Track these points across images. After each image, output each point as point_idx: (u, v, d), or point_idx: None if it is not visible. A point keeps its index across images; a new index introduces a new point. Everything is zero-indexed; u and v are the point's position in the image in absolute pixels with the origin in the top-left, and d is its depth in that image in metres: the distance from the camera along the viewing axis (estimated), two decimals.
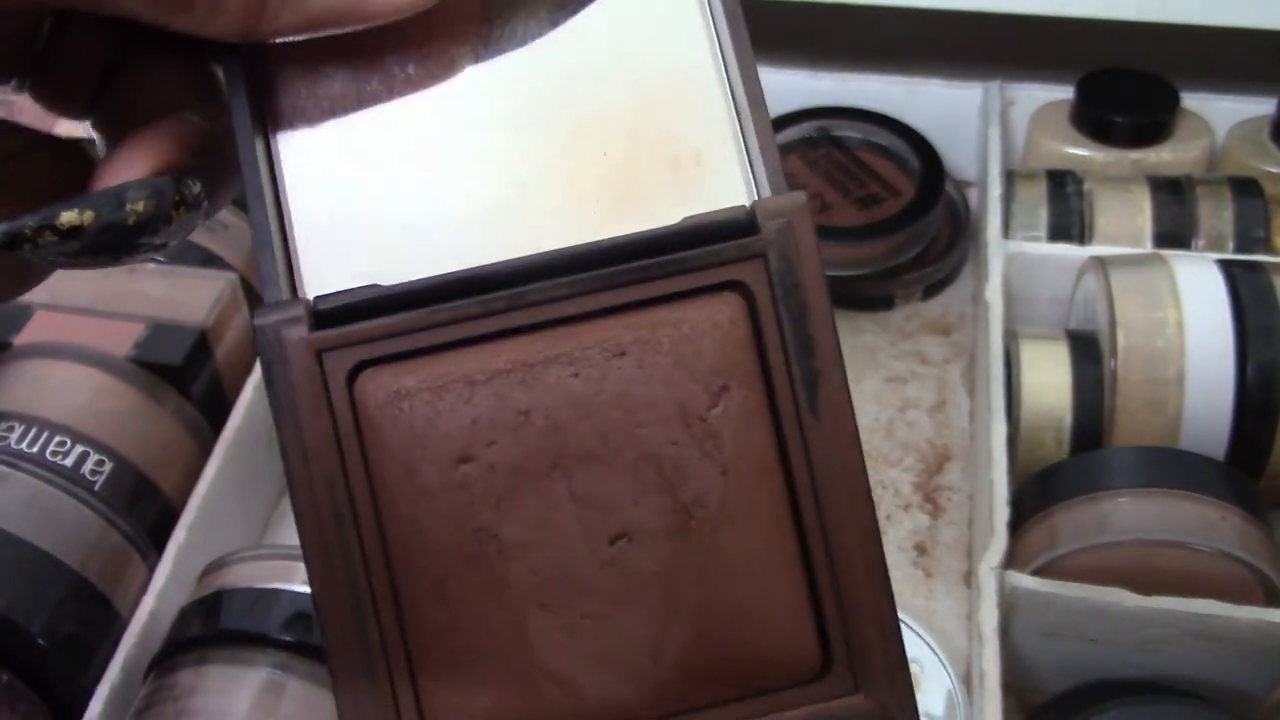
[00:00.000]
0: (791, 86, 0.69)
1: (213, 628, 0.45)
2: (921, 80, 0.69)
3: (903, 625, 0.22)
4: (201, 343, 0.55)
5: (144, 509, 0.51)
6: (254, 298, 0.59)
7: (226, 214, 0.61)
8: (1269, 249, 0.58)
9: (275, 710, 0.42)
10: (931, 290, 0.65)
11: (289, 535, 0.55)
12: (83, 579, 0.47)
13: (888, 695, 0.20)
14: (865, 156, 0.67)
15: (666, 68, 0.22)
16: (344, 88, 0.22)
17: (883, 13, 0.67)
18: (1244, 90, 0.65)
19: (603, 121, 0.22)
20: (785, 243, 0.20)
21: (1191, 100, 0.64)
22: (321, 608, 0.20)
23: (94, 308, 0.55)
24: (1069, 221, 0.59)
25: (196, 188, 0.20)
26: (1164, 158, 0.63)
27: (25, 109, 0.24)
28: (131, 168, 0.20)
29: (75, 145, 0.23)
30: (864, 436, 0.46)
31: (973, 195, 0.68)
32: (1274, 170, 0.61)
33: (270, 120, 0.22)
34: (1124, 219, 0.59)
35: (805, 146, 0.68)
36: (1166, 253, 0.54)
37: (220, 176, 0.22)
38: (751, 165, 0.21)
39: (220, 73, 0.23)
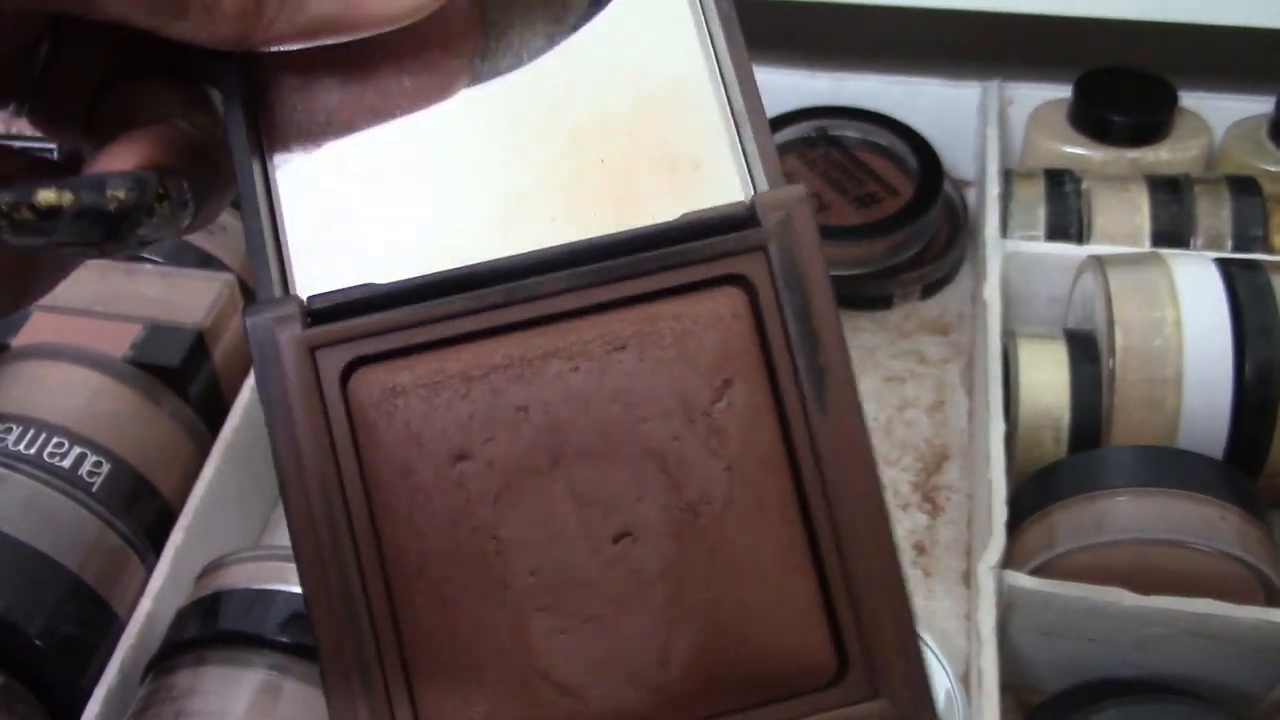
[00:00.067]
0: (789, 86, 0.69)
1: (210, 629, 0.44)
2: (919, 80, 0.68)
3: None
4: (199, 344, 0.55)
5: (142, 510, 0.51)
6: (252, 299, 0.59)
7: (224, 215, 0.61)
8: (1267, 248, 0.58)
9: (273, 711, 0.42)
10: (930, 290, 0.65)
11: (286, 537, 0.55)
12: (80, 580, 0.47)
13: (907, 700, 0.19)
14: (863, 156, 0.67)
15: (662, 77, 0.22)
16: (340, 100, 0.21)
17: (880, 12, 0.67)
18: (1242, 89, 0.65)
19: (599, 130, 0.21)
20: (786, 235, 0.20)
21: (1190, 99, 0.64)
22: (313, 611, 0.19)
23: (92, 309, 0.55)
24: (1067, 221, 0.59)
25: (183, 186, 0.20)
26: (1162, 157, 0.63)
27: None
28: (115, 163, 0.20)
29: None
30: None
31: (971, 194, 0.68)
32: (1272, 169, 0.61)
33: (266, 131, 0.22)
34: (1122, 218, 0.59)
35: (803, 146, 0.68)
36: (1165, 252, 0.54)
37: (211, 185, 0.21)
38: (749, 164, 0.21)
39: (215, 94, 0.23)
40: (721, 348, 0.20)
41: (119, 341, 0.54)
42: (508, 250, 0.20)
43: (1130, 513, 0.46)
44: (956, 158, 0.69)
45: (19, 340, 0.55)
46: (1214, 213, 0.58)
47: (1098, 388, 0.51)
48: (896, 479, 0.57)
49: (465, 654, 0.19)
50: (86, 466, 0.49)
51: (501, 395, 0.20)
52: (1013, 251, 0.57)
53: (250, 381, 0.55)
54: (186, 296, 0.56)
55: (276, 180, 0.21)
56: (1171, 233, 0.58)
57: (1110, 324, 0.51)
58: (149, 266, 0.58)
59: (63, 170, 0.23)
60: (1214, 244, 0.58)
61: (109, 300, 0.56)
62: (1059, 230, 0.59)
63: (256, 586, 0.46)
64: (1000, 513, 0.47)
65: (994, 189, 0.60)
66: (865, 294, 0.64)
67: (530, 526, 0.19)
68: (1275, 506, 0.50)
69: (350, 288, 0.20)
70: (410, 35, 0.21)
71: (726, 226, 0.20)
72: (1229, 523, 0.45)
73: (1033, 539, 0.48)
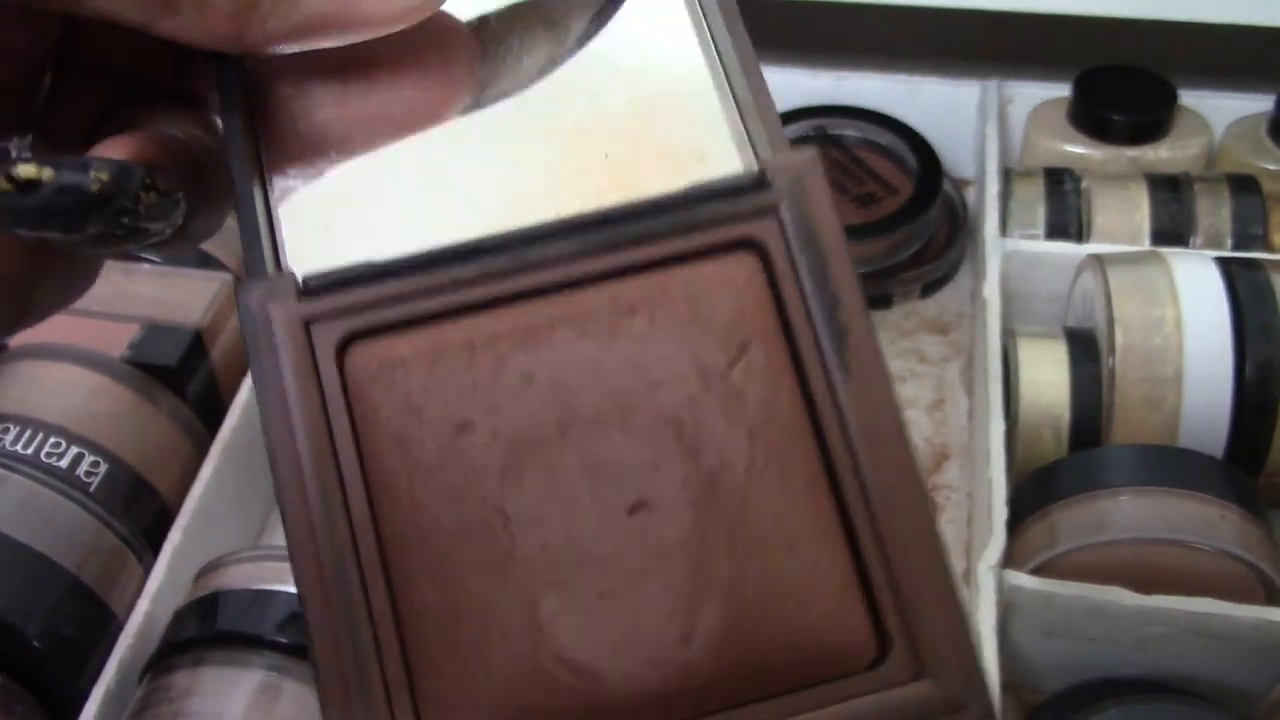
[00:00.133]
0: (788, 85, 0.69)
1: (209, 629, 0.44)
2: (919, 78, 0.68)
3: None
4: (197, 343, 0.55)
5: (140, 510, 0.51)
6: None
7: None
8: (1267, 246, 0.58)
9: (272, 712, 0.42)
10: (929, 289, 0.65)
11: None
12: (78, 581, 0.47)
13: (956, 680, 0.18)
14: (863, 155, 0.67)
15: (663, 76, 0.21)
16: (338, 108, 0.21)
17: (880, 11, 0.67)
18: (1242, 87, 0.65)
19: (602, 128, 0.21)
20: (799, 197, 0.19)
21: (1189, 98, 0.64)
22: (305, 594, 0.18)
23: (89, 309, 0.55)
24: (1067, 219, 0.59)
25: (173, 184, 0.20)
26: (1162, 155, 0.63)
27: None
28: (102, 154, 0.20)
29: None
30: None
31: (970, 193, 0.68)
32: (1272, 168, 0.61)
33: (264, 139, 0.21)
34: (1122, 217, 0.59)
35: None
36: (1164, 250, 0.54)
37: (207, 193, 0.21)
38: (754, 141, 0.20)
39: (217, 120, 0.22)
40: (736, 311, 0.19)
41: (117, 341, 0.54)
42: None
43: (1131, 512, 0.46)
44: (956, 157, 0.69)
45: (16, 340, 0.55)
46: (1214, 211, 0.58)
47: (1098, 386, 0.51)
48: None
49: (469, 636, 0.18)
50: (84, 466, 0.49)
51: (506, 363, 0.19)
52: (1012, 250, 0.57)
53: (249, 381, 0.55)
54: (184, 296, 0.56)
55: (272, 184, 0.21)
56: (1171, 231, 0.58)
57: (1110, 322, 0.51)
58: (146, 266, 0.58)
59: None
60: (1214, 243, 0.58)
61: (107, 300, 0.56)
62: (1059, 229, 0.59)
63: (255, 587, 0.46)
64: (1000, 512, 0.47)
65: (993, 188, 0.60)
66: (865, 293, 0.64)
67: (539, 499, 0.18)
68: (1276, 505, 0.50)
69: (347, 265, 0.19)
70: (408, 39, 0.21)
71: (737, 192, 0.19)
72: (1229, 522, 0.45)
73: (1033, 538, 0.48)
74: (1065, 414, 0.52)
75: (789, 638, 0.18)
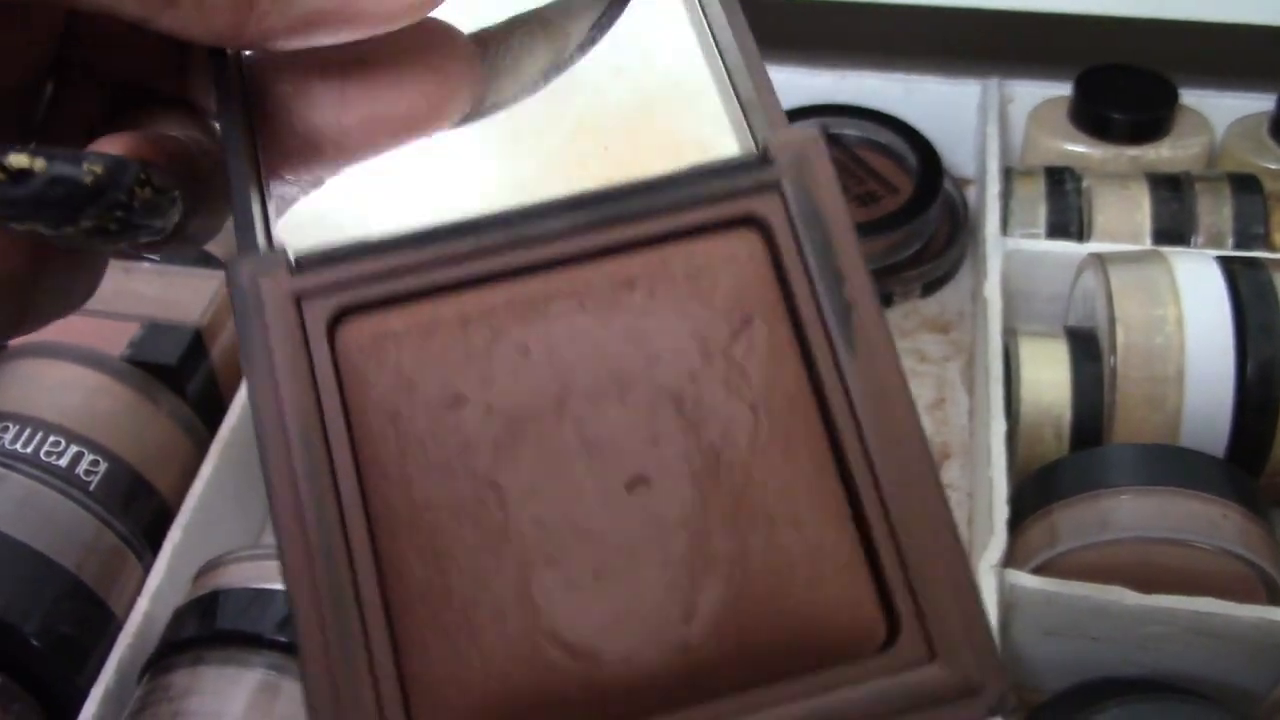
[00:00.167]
0: (788, 84, 0.69)
1: (208, 628, 0.44)
2: (919, 77, 0.68)
3: None
4: (197, 342, 0.54)
5: (139, 509, 0.50)
6: None
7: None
8: (1268, 245, 0.58)
9: (271, 711, 0.42)
10: (930, 288, 0.65)
11: None
12: (78, 580, 0.47)
13: (970, 662, 0.17)
14: (863, 154, 0.67)
15: (663, 70, 0.21)
16: (337, 106, 0.21)
17: (880, 10, 0.66)
18: (1243, 87, 0.65)
19: (602, 123, 0.21)
20: (801, 172, 0.19)
21: (1190, 97, 0.64)
22: (289, 569, 0.17)
23: (89, 307, 0.55)
24: (1068, 218, 0.59)
25: (169, 181, 0.20)
26: (1163, 154, 0.63)
27: None
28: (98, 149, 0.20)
29: None
30: None
31: (971, 192, 0.68)
32: (1273, 167, 0.61)
33: (259, 134, 0.21)
34: (1123, 216, 0.59)
35: None
36: (1166, 249, 0.54)
37: (205, 194, 0.21)
38: (752, 124, 0.20)
39: (217, 125, 0.22)
40: (738, 286, 0.18)
41: (116, 340, 0.54)
42: None
43: (1132, 511, 0.46)
44: (956, 156, 0.69)
45: (15, 339, 0.54)
46: (1215, 210, 0.58)
47: (1099, 386, 0.51)
48: None
49: (461, 614, 0.17)
50: (84, 465, 0.49)
51: (501, 337, 0.18)
52: (1013, 249, 0.57)
53: None
54: (184, 295, 0.56)
55: (268, 174, 0.21)
56: (1172, 230, 0.58)
57: (1111, 322, 0.51)
58: (146, 265, 0.58)
59: None
60: (1215, 242, 0.58)
61: (106, 298, 0.55)
62: (1059, 228, 0.59)
63: (255, 586, 0.45)
64: (1001, 511, 0.47)
65: (994, 187, 0.60)
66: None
67: (534, 474, 0.18)
68: (1277, 505, 0.50)
69: (339, 243, 0.19)
70: (408, 38, 0.20)
71: (739, 169, 0.19)
72: (1231, 521, 0.45)
73: (1034, 538, 0.47)
74: (1066, 413, 0.52)
75: (794, 618, 0.17)
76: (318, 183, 0.21)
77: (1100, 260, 0.53)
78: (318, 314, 0.18)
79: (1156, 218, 0.59)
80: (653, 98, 0.21)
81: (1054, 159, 0.63)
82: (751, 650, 0.17)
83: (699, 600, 0.17)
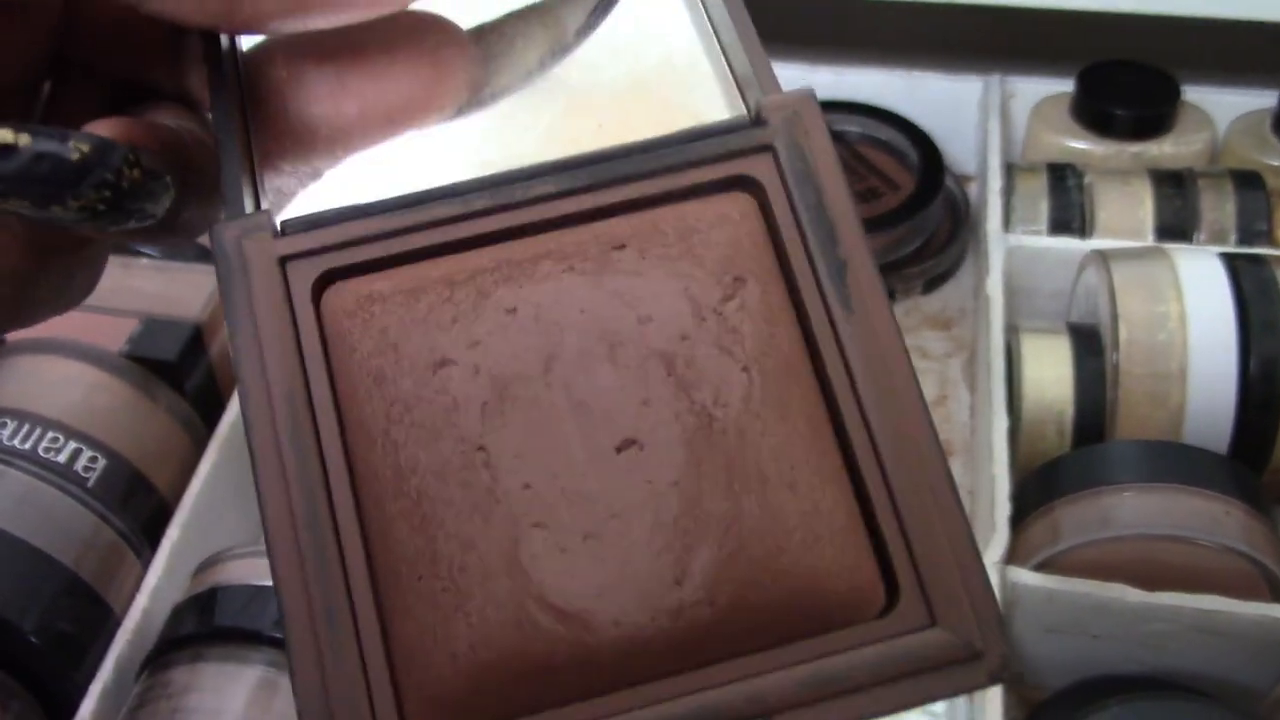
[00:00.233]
0: (788, 81, 0.67)
1: (207, 625, 0.44)
2: (921, 74, 0.68)
3: None
4: (196, 338, 0.54)
5: (138, 506, 0.50)
6: None
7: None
8: (1271, 242, 0.57)
9: (270, 708, 0.42)
10: (932, 284, 0.65)
11: None
12: (76, 576, 0.47)
13: (971, 625, 0.17)
14: (864, 151, 0.67)
15: (657, 49, 0.21)
16: (331, 92, 0.20)
17: (881, 6, 0.66)
18: (1245, 83, 0.64)
19: (595, 101, 0.21)
20: (794, 132, 0.19)
21: (1193, 93, 0.64)
22: (273, 540, 0.17)
23: (87, 303, 0.55)
24: (1070, 215, 0.59)
25: (160, 165, 0.19)
26: (1165, 150, 0.63)
27: None
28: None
29: None
30: None
31: (973, 189, 0.67)
32: (1276, 163, 0.61)
33: (252, 120, 0.21)
34: (1125, 212, 0.59)
35: None
36: (1168, 246, 0.54)
37: (195, 182, 0.21)
38: (744, 92, 0.20)
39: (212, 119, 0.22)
40: (731, 246, 0.18)
41: (115, 336, 0.54)
42: None
43: (1135, 508, 0.46)
44: (958, 152, 0.68)
45: (14, 335, 0.54)
46: (1218, 207, 0.58)
47: (1101, 382, 0.51)
48: None
49: (448, 579, 0.17)
50: (82, 461, 0.49)
51: (488, 297, 0.18)
52: (1015, 246, 0.57)
53: None
54: (183, 290, 0.56)
55: (259, 156, 0.20)
56: (1175, 227, 0.58)
57: (1114, 318, 0.51)
58: (145, 261, 0.57)
59: None
60: (1218, 238, 0.58)
61: (105, 294, 0.55)
62: (1062, 224, 0.59)
63: (254, 583, 0.45)
64: (1003, 508, 0.47)
65: (996, 183, 0.60)
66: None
67: (522, 436, 0.17)
68: None
69: (325, 209, 0.19)
70: (402, 30, 0.20)
71: (731, 131, 0.19)
72: (1233, 518, 0.45)
73: (1036, 535, 0.47)
74: (1069, 410, 0.52)
75: (790, 581, 0.17)
76: (313, 170, 0.21)
77: (1102, 257, 0.53)
78: (303, 277, 0.18)
79: (1159, 214, 0.58)
80: (647, 76, 0.21)
81: (1056, 155, 0.63)
82: (745, 615, 0.17)
83: (691, 563, 0.17)
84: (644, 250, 0.18)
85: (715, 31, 0.21)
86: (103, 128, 0.19)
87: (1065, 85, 0.65)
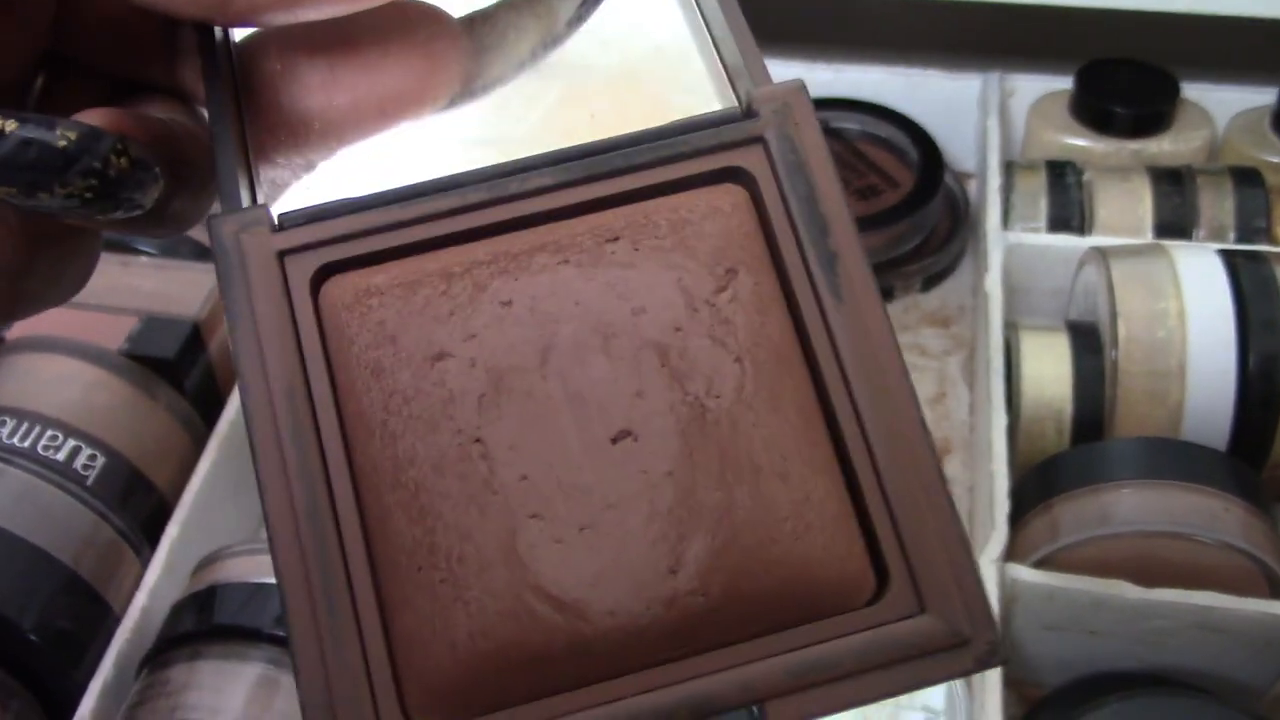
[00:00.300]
0: (787, 78, 0.68)
1: (207, 623, 0.44)
2: (920, 71, 0.68)
3: None
4: (195, 336, 0.54)
5: (137, 504, 0.50)
6: None
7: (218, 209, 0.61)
8: (1270, 239, 0.57)
9: (270, 705, 0.42)
10: (931, 282, 0.65)
11: None
12: (75, 574, 0.47)
13: (959, 612, 0.17)
14: (863, 148, 0.67)
15: (648, 41, 0.21)
16: (324, 84, 0.21)
17: (880, 3, 0.66)
18: (1245, 80, 0.64)
19: (587, 92, 0.21)
20: (785, 124, 0.19)
21: (1192, 90, 0.64)
22: (274, 532, 0.17)
23: (86, 301, 0.55)
24: (1069, 212, 0.59)
25: (149, 155, 0.19)
26: (1164, 148, 0.63)
27: None
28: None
29: None
30: None
31: (972, 186, 0.67)
32: (1275, 160, 0.61)
33: (246, 111, 0.21)
34: (1124, 209, 0.59)
35: None
36: (1167, 243, 0.54)
37: (185, 173, 0.21)
38: (735, 85, 0.20)
39: (205, 113, 0.22)
40: (723, 238, 0.18)
41: (114, 334, 0.54)
42: None
43: (1133, 505, 0.46)
44: (957, 150, 0.68)
45: (13, 333, 0.54)
46: (1217, 204, 0.58)
47: (1100, 379, 0.51)
48: None
49: (446, 569, 0.17)
50: (81, 460, 0.49)
51: (484, 290, 0.18)
52: (1014, 243, 0.57)
53: None
54: (182, 288, 0.56)
55: (254, 147, 0.20)
56: (1174, 224, 0.58)
57: (1113, 315, 0.51)
58: (144, 259, 0.57)
59: None
60: (1217, 235, 0.58)
61: (103, 293, 0.55)
62: (1061, 222, 0.59)
63: (253, 580, 0.45)
64: (1002, 505, 0.47)
65: (995, 181, 0.60)
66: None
67: (518, 428, 0.17)
68: (1279, 498, 0.50)
69: (322, 202, 0.19)
70: (394, 21, 0.20)
71: (723, 123, 0.19)
72: (1233, 515, 0.45)
73: (1035, 532, 0.47)
74: (1068, 407, 0.52)
75: (782, 570, 0.17)
76: (307, 162, 0.21)
77: (1102, 254, 0.53)
78: (301, 271, 0.18)
79: (1158, 211, 0.58)
80: (639, 68, 0.21)
81: (1055, 153, 0.63)
82: (738, 603, 0.17)
83: (685, 553, 0.17)
84: (637, 242, 0.18)
85: (706, 22, 0.21)
86: (91, 117, 0.19)
87: (1064, 83, 0.65)
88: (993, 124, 0.63)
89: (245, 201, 0.19)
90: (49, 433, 0.49)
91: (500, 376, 0.18)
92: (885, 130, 0.67)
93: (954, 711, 0.46)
